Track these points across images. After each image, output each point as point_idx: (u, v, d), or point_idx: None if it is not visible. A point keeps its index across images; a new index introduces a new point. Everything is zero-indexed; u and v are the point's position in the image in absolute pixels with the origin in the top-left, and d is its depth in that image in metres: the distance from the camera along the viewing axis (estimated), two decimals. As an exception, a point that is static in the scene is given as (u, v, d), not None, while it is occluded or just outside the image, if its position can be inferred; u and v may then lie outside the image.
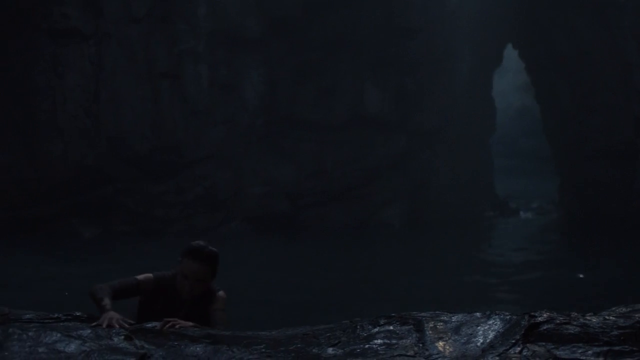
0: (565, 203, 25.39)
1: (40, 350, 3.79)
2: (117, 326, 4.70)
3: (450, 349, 4.10)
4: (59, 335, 4.01)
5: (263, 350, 4.10)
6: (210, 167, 22.14)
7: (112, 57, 21.40)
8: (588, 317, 4.23)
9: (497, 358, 3.92)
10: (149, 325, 4.75)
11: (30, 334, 4.02)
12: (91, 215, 21.41)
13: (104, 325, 4.68)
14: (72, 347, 3.84)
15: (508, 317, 4.29)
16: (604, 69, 23.58)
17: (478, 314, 4.42)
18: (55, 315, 5.10)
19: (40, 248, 19.44)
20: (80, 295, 13.67)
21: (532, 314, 4.25)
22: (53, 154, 21.13)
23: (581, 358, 3.86)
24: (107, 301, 5.17)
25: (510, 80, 38.54)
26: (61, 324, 4.82)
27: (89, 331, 4.16)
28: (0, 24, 20.59)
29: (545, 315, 4.20)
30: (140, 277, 5.69)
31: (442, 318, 4.47)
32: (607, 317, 4.22)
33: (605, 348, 3.88)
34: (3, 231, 20.43)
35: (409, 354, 4.08)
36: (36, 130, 21.06)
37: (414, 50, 23.78)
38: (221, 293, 5.74)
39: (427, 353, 4.09)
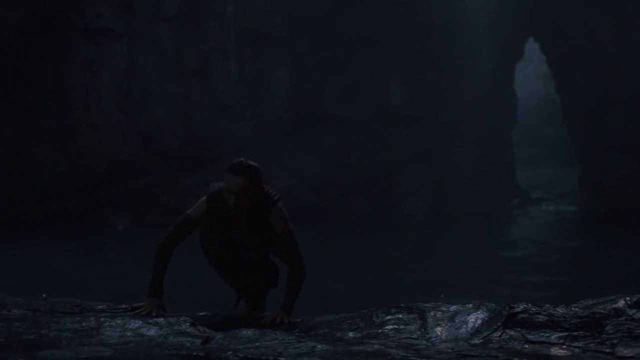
0: (585, 195, 26.16)
1: (128, 334, 4.97)
2: (153, 315, 5.55)
3: (446, 333, 5.25)
4: (140, 322, 5.20)
5: (298, 333, 5.26)
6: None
7: (144, 55, 22.48)
8: (557, 308, 5.37)
9: (481, 340, 5.07)
10: (203, 314, 5.92)
11: (118, 321, 5.22)
12: (124, 208, 22.37)
13: (144, 313, 5.58)
14: (152, 331, 5.02)
15: (493, 308, 5.43)
16: (622, 65, 24.40)
17: (470, 305, 5.56)
18: (123, 306, 6.29)
19: (74, 239, 20.25)
20: (115, 284, 14.73)
21: (512, 305, 5.39)
22: (88, 149, 22.09)
23: (546, 341, 4.99)
24: (155, 286, 5.73)
25: (533, 69, 38.97)
26: (130, 312, 6.03)
27: (162, 319, 5.34)
28: (37, 24, 21.52)
29: (522, 306, 5.34)
30: (191, 212, 5.85)
31: (441, 308, 5.61)
32: (572, 309, 5.36)
33: (565, 333, 5.02)
34: (39, 223, 21.30)
35: (413, 337, 5.23)
36: (72, 126, 22.05)
37: (435, 45, 24.66)
38: (277, 207, 5.84)
39: (427, 336, 5.23)
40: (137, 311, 5.62)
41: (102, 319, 5.25)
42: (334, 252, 19.97)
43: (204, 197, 5.87)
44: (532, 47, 29.28)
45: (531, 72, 39.41)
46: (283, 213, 5.88)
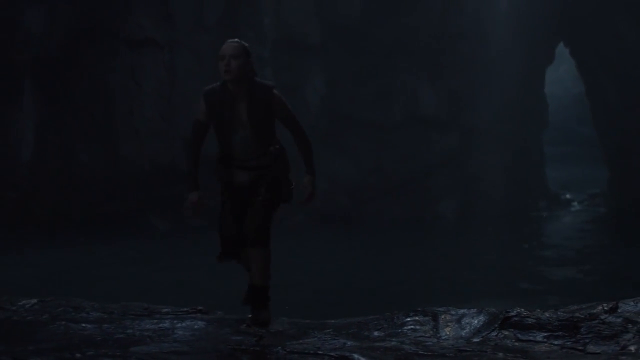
0: (614, 196, 27.14)
1: (197, 333, 6.32)
2: (196, 212, 6.76)
3: (453, 333, 6.56)
4: (205, 323, 6.59)
5: (331, 332, 6.58)
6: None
7: (184, 63, 23.72)
8: (545, 313, 6.67)
9: (481, 338, 6.39)
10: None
11: (187, 323, 6.60)
12: (165, 210, 23.44)
13: (190, 213, 6.84)
14: (218, 330, 6.39)
15: (492, 311, 6.74)
16: (649, 69, 25.45)
17: (474, 310, 6.87)
18: (184, 309, 7.65)
19: (118, 240, 21.54)
20: (158, 284, 15.83)
21: (507, 310, 6.70)
22: (131, 154, 23.38)
23: (533, 339, 6.28)
24: (192, 183, 6.96)
25: (567, 67, 39.75)
26: (191, 315, 7.40)
27: (222, 321, 6.73)
28: (83, 35, 22.79)
29: (515, 311, 6.64)
30: (197, 114, 6.69)
31: (451, 312, 6.92)
32: (557, 313, 6.67)
33: (548, 333, 6.32)
34: (84, 225, 22.49)
35: (426, 335, 6.54)
36: (115, 131, 23.29)
37: (466, 52, 25.76)
38: (275, 92, 6.43)
39: (438, 335, 6.54)
40: (188, 212, 6.95)
41: (174, 321, 6.63)
42: (366, 253, 21.09)
43: (201, 100, 6.66)
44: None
45: (565, 70, 40.14)
46: (283, 98, 6.54)
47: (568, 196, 29.71)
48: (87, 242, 21.35)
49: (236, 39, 6.57)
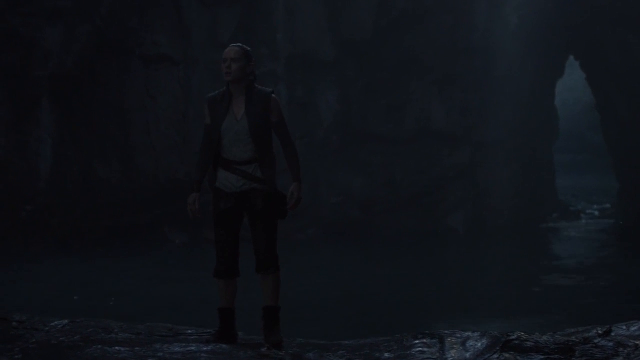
0: (624, 208, 27.53)
1: (221, 357, 6.94)
2: (195, 213, 7.07)
3: (458, 355, 7.14)
4: (228, 346, 7.18)
5: (344, 354, 7.16)
6: (289, 179, 24.84)
7: (199, 79, 24.22)
8: (543, 337, 7.26)
9: (483, 361, 7.01)
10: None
11: (212, 347, 7.21)
12: (182, 224, 23.78)
13: (192, 210, 7.18)
14: (241, 353, 7.00)
15: (494, 335, 7.31)
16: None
17: (477, 333, 7.45)
18: (209, 331, 8.23)
19: (135, 255, 22.00)
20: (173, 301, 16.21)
21: (509, 333, 7.28)
22: (147, 168, 23.98)
23: (531, 361, 6.93)
24: (196, 185, 7.21)
25: (578, 75, 39.89)
26: (214, 336, 7.99)
27: (244, 344, 7.34)
28: (100, 52, 23.42)
29: (516, 335, 7.21)
30: (205, 119, 7.03)
31: (457, 335, 7.50)
32: (555, 336, 7.25)
33: (545, 356, 6.89)
34: (101, 239, 23.13)
35: (433, 357, 7.10)
36: (131, 146, 23.90)
37: (477, 67, 26.21)
38: (274, 96, 6.92)
39: (444, 357, 7.11)
40: (190, 211, 7.36)
41: (200, 345, 7.23)
42: (378, 266, 21.42)
43: (205, 105, 7.06)
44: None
45: (576, 78, 40.26)
46: (280, 104, 7.01)
47: (578, 207, 30.12)
48: (103, 256, 21.83)
49: (238, 44, 6.96)
